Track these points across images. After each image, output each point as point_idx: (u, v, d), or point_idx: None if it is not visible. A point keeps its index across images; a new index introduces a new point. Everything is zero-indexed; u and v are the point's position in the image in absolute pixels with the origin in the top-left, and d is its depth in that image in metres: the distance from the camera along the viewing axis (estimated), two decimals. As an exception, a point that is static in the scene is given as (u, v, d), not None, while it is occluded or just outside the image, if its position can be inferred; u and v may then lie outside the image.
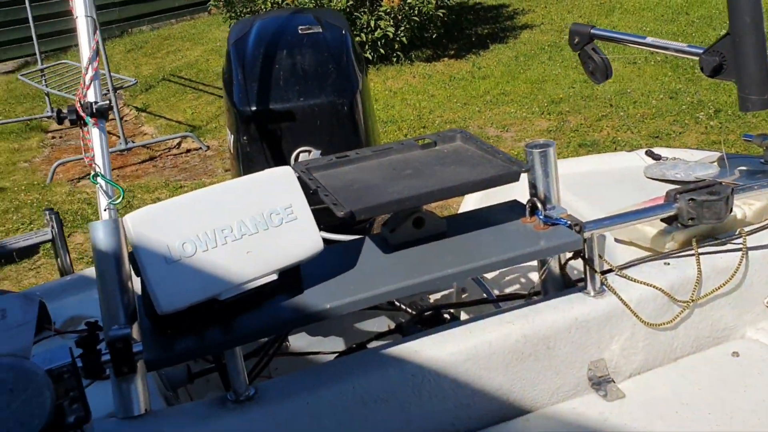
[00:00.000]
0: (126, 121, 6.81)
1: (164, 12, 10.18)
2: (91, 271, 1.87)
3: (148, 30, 10.03)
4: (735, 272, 1.46)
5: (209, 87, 7.34)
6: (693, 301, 1.44)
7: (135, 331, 1.23)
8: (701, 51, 1.61)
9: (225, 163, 5.59)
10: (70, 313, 1.68)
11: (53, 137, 6.74)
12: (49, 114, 6.89)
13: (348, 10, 6.81)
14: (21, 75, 6.91)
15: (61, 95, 6.31)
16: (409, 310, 1.74)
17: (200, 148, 5.92)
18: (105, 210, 1.31)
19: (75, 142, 6.53)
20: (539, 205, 1.42)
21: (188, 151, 5.97)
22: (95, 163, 1.35)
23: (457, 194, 1.38)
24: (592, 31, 1.84)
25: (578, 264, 1.47)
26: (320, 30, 2.03)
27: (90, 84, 1.39)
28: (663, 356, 1.46)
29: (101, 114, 1.35)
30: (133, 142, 6.04)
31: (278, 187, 1.24)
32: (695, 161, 1.90)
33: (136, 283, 1.25)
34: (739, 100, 1.54)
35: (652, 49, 1.76)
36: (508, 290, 1.92)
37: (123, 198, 1.30)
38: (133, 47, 9.19)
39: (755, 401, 1.33)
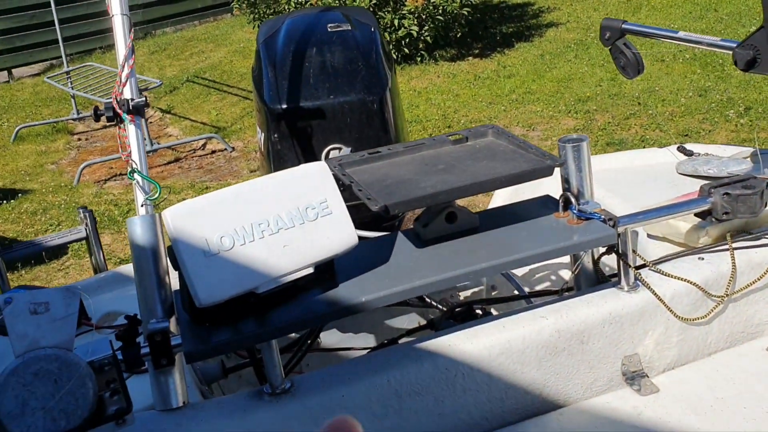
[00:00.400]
0: (151, 122, 6.89)
1: (187, 13, 10.27)
2: (124, 269, 1.89)
3: (171, 31, 10.13)
4: (770, 267, 1.45)
5: (233, 88, 7.39)
6: (727, 296, 1.43)
7: (173, 325, 1.25)
8: (735, 45, 1.59)
9: (251, 164, 5.63)
10: (105, 309, 1.70)
11: (79, 139, 6.83)
12: (75, 116, 6.99)
13: (372, 9, 6.82)
14: (47, 77, 7.01)
15: (86, 97, 6.40)
16: (440, 307, 1.75)
17: (225, 149, 5.97)
18: (142, 206, 1.33)
19: (101, 143, 6.61)
20: (572, 200, 1.41)
21: (213, 152, 6.02)
22: (132, 160, 1.37)
23: (491, 189, 1.38)
24: (623, 25, 1.83)
25: (611, 259, 1.46)
26: (349, 28, 2.05)
27: (126, 81, 1.41)
28: (697, 351, 1.45)
29: (138, 111, 1.37)
30: (159, 144, 6.10)
31: (313, 182, 1.25)
32: (728, 157, 1.88)
33: (173, 278, 1.28)
34: (774, 93, 1.52)
35: (684, 43, 1.75)
36: (539, 287, 1.92)
37: (160, 194, 1.32)
38: (156, 49, 9.28)
39: (791, 398, 1.32)
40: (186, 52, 9.04)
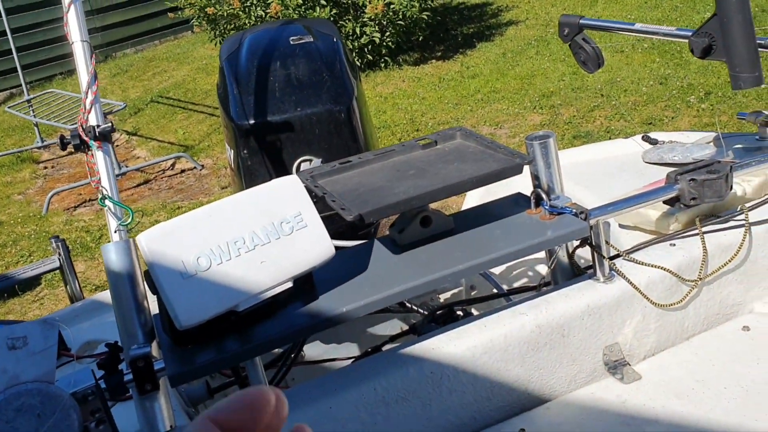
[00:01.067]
0: (117, 145, 6.82)
1: (147, 33, 10.19)
2: (101, 296, 1.88)
3: (132, 53, 10.04)
4: (739, 248, 1.48)
5: (199, 105, 7.35)
6: (701, 279, 1.46)
7: (154, 349, 1.24)
8: (690, 33, 1.63)
9: (221, 180, 5.60)
10: (84, 338, 1.69)
11: (45, 167, 6.74)
12: (40, 144, 6.89)
13: (333, 18, 6.83)
14: (8, 107, 6.91)
15: (50, 124, 6.32)
16: (421, 311, 1.76)
17: (195, 167, 5.93)
18: (115, 232, 1.32)
19: (68, 170, 6.53)
20: (544, 196, 1.43)
21: (183, 171, 5.98)
22: (102, 186, 1.36)
23: (463, 190, 1.40)
24: (581, 21, 1.86)
25: (586, 252, 1.49)
26: (311, 39, 2.05)
27: (91, 108, 1.40)
28: (675, 336, 1.48)
29: (104, 137, 1.36)
30: (127, 167, 6.05)
31: (286, 196, 1.25)
32: (692, 143, 1.92)
33: (151, 302, 1.27)
34: (731, 79, 1.56)
35: (641, 35, 1.78)
36: (516, 284, 1.94)
37: (132, 219, 1.31)
38: (118, 71, 9.20)
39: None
40: (148, 72, 8.97)
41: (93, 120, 1.38)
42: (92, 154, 1.38)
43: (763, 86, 1.61)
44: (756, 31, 1.57)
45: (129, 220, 1.31)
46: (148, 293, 1.25)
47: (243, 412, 0.44)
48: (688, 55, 5.75)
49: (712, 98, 5.09)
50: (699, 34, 1.60)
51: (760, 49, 1.57)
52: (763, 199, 1.54)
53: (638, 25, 1.79)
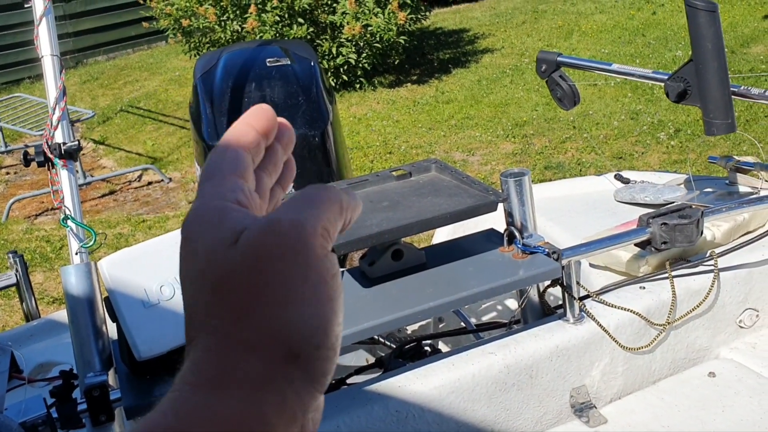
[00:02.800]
0: (84, 154, 6.69)
1: (120, 42, 10.08)
2: (58, 315, 1.81)
3: (104, 60, 9.92)
4: (708, 294, 1.49)
5: (169, 117, 7.27)
6: (669, 323, 1.46)
7: (111, 378, 1.19)
8: (666, 77, 1.64)
9: (189, 195, 5.53)
10: (39, 359, 1.62)
11: (7, 173, 6.59)
12: (3, 149, 6.74)
13: (309, 37, 6.83)
14: (-26, 110, 6.76)
15: (15, 129, 6.19)
16: (388, 343, 1.73)
17: (162, 180, 5.85)
18: (77, 254, 1.28)
19: (31, 177, 6.39)
20: (517, 234, 1.42)
21: (150, 183, 5.89)
22: (65, 206, 1.31)
23: (436, 226, 1.38)
24: (558, 58, 1.87)
25: (556, 290, 1.48)
26: (288, 62, 2.03)
27: (57, 124, 1.36)
28: (642, 380, 1.47)
29: (70, 155, 1.32)
30: (92, 176, 5.94)
31: (256, 225, 1.22)
32: (663, 184, 1.93)
33: (111, 328, 1.22)
34: (704, 124, 1.58)
35: (618, 75, 1.80)
36: (486, 318, 1.93)
37: (95, 241, 1.27)
38: (88, 78, 9.07)
39: (733, 421, 1.34)
40: (119, 81, 8.86)
41: (59, 137, 1.34)
42: (56, 172, 1.33)
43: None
44: (737, 77, 1.59)
45: (91, 242, 1.27)
46: (108, 319, 1.21)
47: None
48: (659, 92, 5.86)
49: (681, 135, 5.17)
50: (674, 78, 1.62)
51: (733, 97, 1.59)
52: (732, 245, 1.55)
53: (615, 66, 1.80)
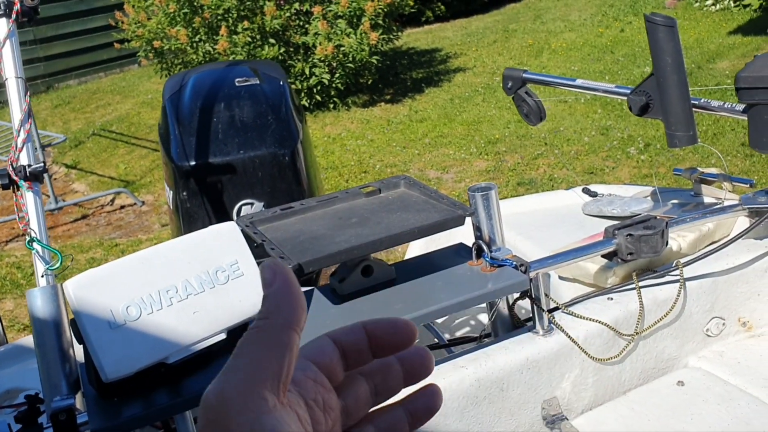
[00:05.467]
0: (55, 179, 6.63)
1: (92, 65, 10.03)
2: (26, 341, 1.79)
3: (75, 84, 9.86)
4: (675, 303, 1.51)
5: (142, 140, 7.23)
6: (637, 334, 1.48)
7: (79, 401, 1.18)
8: (629, 91, 1.67)
9: (162, 218, 5.49)
10: (5, 386, 1.60)
11: (-21, 199, 6.50)
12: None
13: (281, 58, 6.86)
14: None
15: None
16: (361, 360, 1.72)
17: (135, 203, 5.80)
18: (42, 276, 1.27)
19: (0, 203, 6.31)
20: (485, 248, 1.43)
21: (122, 207, 5.84)
22: (30, 228, 1.30)
23: (405, 241, 1.39)
24: (524, 75, 1.90)
25: (526, 303, 1.49)
26: (257, 82, 2.04)
27: (22, 146, 1.35)
28: (612, 390, 1.48)
29: (35, 177, 1.31)
30: (64, 201, 5.87)
31: (223, 243, 1.22)
32: (630, 196, 1.96)
33: (78, 350, 1.21)
34: (667, 137, 1.61)
35: (582, 91, 1.83)
36: (458, 333, 1.93)
37: (62, 263, 1.26)
38: (60, 102, 9.00)
39: (702, 429, 1.36)
40: (91, 104, 8.80)
41: (24, 159, 1.33)
42: (21, 195, 1.32)
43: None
44: (691, 91, 1.62)
45: (57, 264, 1.26)
46: (75, 341, 1.20)
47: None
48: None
49: (651, 150, 5.25)
50: (637, 92, 1.65)
51: (694, 109, 1.62)
52: (697, 254, 1.58)
53: (579, 81, 1.83)
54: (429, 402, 0.49)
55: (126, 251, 4.97)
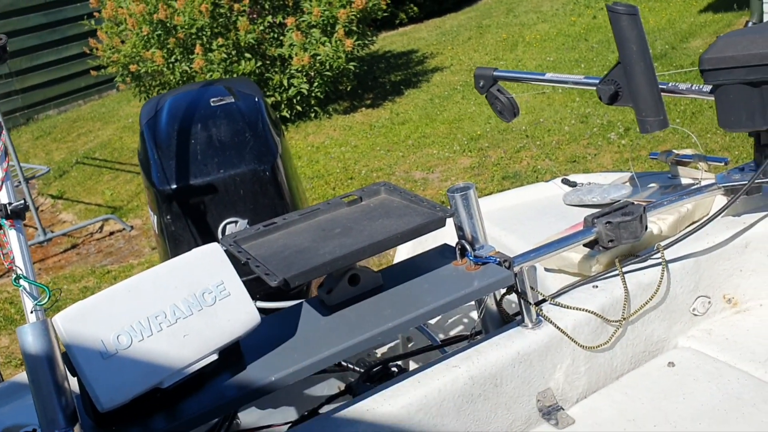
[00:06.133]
0: (42, 210, 6.62)
1: (70, 94, 10.01)
2: (21, 377, 1.79)
3: (55, 114, 9.84)
4: (659, 286, 1.53)
5: (126, 165, 7.23)
6: (624, 319, 1.50)
7: (77, 433, 1.19)
8: (597, 81, 1.70)
9: (151, 241, 5.49)
10: (4, 424, 1.60)
11: (-32, 236, 6.47)
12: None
13: (258, 71, 6.87)
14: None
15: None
16: (357, 369, 1.74)
17: (124, 228, 5.80)
18: (32, 312, 1.27)
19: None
20: (468, 247, 1.45)
21: (111, 233, 5.84)
22: (16, 266, 1.31)
23: (388, 247, 1.40)
24: (494, 73, 1.92)
25: (514, 298, 1.51)
26: (233, 100, 2.05)
27: (1, 185, 1.36)
28: (605, 377, 1.50)
29: (17, 215, 1.32)
30: (52, 232, 5.86)
31: (207, 265, 1.23)
32: (608, 184, 1.99)
33: (72, 382, 1.22)
34: (638, 123, 1.63)
35: (552, 84, 1.85)
36: (452, 332, 1.95)
37: (50, 298, 1.27)
38: (41, 134, 8.99)
39: (694, 408, 1.38)
40: (73, 133, 8.79)
41: (4, 198, 1.33)
42: (4, 233, 1.33)
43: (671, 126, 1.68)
44: (666, 74, 1.65)
45: (45, 299, 1.26)
46: (69, 374, 1.21)
47: None
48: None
49: (631, 134, 5.30)
50: (605, 81, 1.67)
51: (663, 94, 1.65)
52: (677, 236, 1.60)
53: (548, 75, 1.86)
54: None
55: (118, 277, 4.97)
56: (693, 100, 5.41)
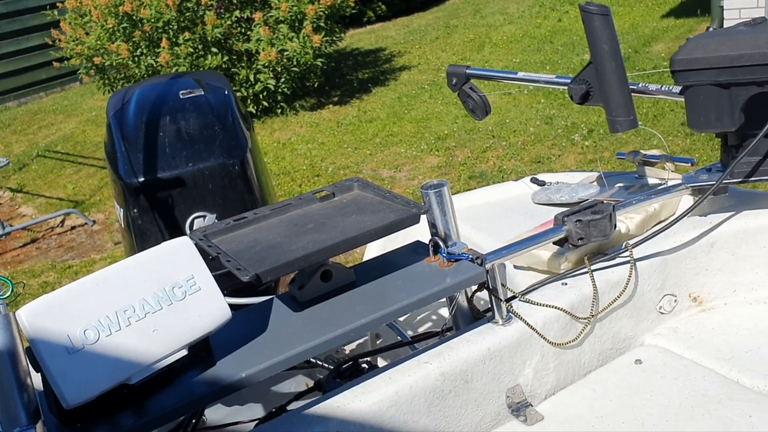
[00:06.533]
0: (0, 204, 6.46)
1: (31, 86, 9.78)
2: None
3: (14, 106, 9.62)
4: (627, 284, 1.55)
5: (89, 159, 7.09)
6: (593, 316, 1.51)
7: (40, 430, 1.15)
8: (569, 81, 1.71)
9: (114, 236, 5.39)
10: (-37, 420, 1.55)
11: None
12: None
13: (225, 66, 6.80)
14: None
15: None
16: (326, 365, 1.73)
17: (86, 223, 5.69)
18: (-7, 306, 1.24)
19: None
20: (441, 244, 1.45)
21: (73, 228, 5.72)
22: (-23, 258, 1.27)
23: (362, 243, 1.39)
24: (467, 71, 1.92)
25: (484, 294, 1.51)
26: (202, 93, 2.02)
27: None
28: (573, 373, 1.52)
29: (-21, 205, 1.28)
30: (11, 226, 5.73)
31: (178, 259, 1.21)
32: (577, 183, 2.00)
33: (36, 379, 1.19)
34: (608, 123, 1.65)
35: (524, 83, 1.86)
36: (421, 329, 1.95)
37: (12, 291, 1.23)
38: (0, 126, 8.77)
39: (662, 405, 1.40)
40: (33, 125, 8.59)
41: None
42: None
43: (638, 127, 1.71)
44: (628, 77, 1.67)
45: (8, 293, 1.23)
46: (32, 370, 1.17)
47: None
48: (571, 95, 6.06)
49: (594, 135, 5.37)
50: (577, 81, 1.69)
51: (633, 94, 1.67)
52: (645, 235, 1.62)
53: (521, 74, 1.87)
54: None
55: (80, 272, 4.87)
56: (655, 103, 5.51)
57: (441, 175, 5.30)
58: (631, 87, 1.67)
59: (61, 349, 1.07)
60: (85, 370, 1.08)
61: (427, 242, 1.50)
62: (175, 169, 1.86)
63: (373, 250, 2.18)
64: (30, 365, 1.16)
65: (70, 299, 1.11)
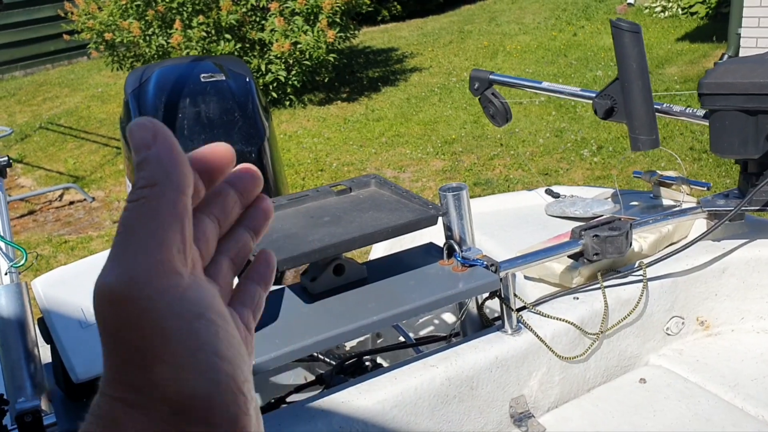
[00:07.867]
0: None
1: (39, 57, 9.75)
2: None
3: (21, 76, 9.58)
4: (637, 303, 1.55)
5: (92, 135, 7.06)
6: (602, 332, 1.51)
7: (44, 403, 1.15)
8: (594, 95, 1.71)
9: (113, 214, 5.37)
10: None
11: None
12: None
13: (237, 54, 6.78)
14: None
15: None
16: (327, 360, 1.72)
17: (85, 199, 5.66)
18: (6, 274, 1.23)
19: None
20: (456, 248, 1.45)
21: (72, 203, 5.70)
22: (-8, 224, 1.26)
23: (378, 240, 1.39)
24: (491, 76, 1.92)
25: (493, 303, 1.51)
26: (223, 78, 2.01)
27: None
28: (578, 388, 1.51)
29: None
30: (10, 196, 5.70)
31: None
32: (591, 198, 2.00)
33: (43, 350, 1.18)
34: (630, 140, 1.65)
35: (548, 93, 1.86)
36: (423, 332, 1.94)
37: (26, 260, 1.22)
38: (5, 94, 8.73)
39: (664, 425, 1.40)
40: (38, 97, 8.56)
41: (-14, 153, 1.28)
42: (-18, 189, 1.28)
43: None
44: (654, 96, 1.67)
45: (23, 261, 1.22)
46: (40, 341, 1.16)
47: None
48: (581, 110, 6.07)
49: (603, 152, 5.37)
50: (602, 96, 1.68)
51: (657, 114, 1.67)
52: (659, 255, 1.62)
53: (545, 84, 1.86)
54: (263, 211, 0.49)
55: (75, 248, 4.85)
56: (666, 125, 5.51)
57: (446, 179, 5.29)
58: (655, 106, 1.67)
59: (74, 323, 1.07)
60: (96, 346, 1.07)
61: (439, 244, 1.49)
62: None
63: (379, 248, 2.17)
64: (40, 336, 1.15)
65: (86, 273, 1.10)
